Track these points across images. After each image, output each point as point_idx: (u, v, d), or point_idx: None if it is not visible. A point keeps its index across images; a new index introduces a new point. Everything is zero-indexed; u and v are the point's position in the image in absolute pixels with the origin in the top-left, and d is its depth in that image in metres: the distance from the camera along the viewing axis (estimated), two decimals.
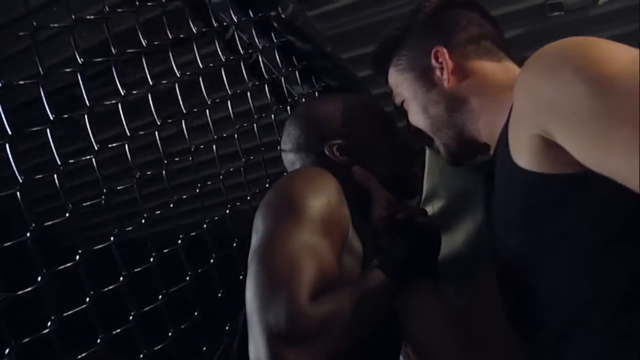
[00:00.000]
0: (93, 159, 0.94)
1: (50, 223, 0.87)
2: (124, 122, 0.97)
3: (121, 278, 0.96)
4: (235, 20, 1.24)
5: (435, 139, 0.99)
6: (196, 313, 1.08)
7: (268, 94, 1.32)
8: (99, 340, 0.91)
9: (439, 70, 0.94)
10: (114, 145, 1.01)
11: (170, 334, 1.01)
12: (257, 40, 1.28)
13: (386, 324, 0.86)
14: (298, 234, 0.79)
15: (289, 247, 0.77)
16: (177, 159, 1.13)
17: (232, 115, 1.21)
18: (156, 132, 1.04)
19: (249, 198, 1.21)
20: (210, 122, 1.16)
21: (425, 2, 0.99)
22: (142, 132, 1.09)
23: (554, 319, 0.73)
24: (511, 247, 0.80)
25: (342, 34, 2.79)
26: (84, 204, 0.96)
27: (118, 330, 0.96)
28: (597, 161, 0.62)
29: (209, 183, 1.17)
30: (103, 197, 0.96)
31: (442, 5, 0.98)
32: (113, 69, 0.99)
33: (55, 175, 0.90)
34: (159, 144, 1.05)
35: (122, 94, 0.98)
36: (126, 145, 1.00)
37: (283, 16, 1.29)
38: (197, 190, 1.13)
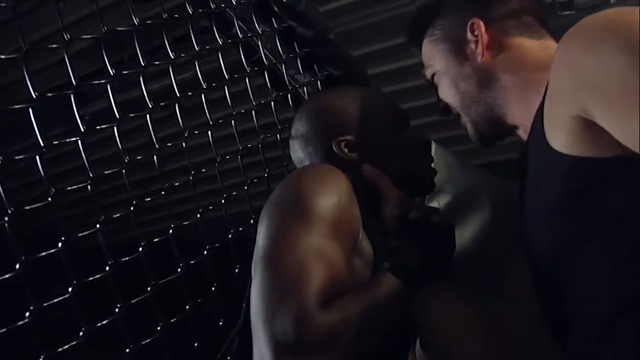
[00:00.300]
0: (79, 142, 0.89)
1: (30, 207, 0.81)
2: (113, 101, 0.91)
3: (107, 268, 0.89)
4: (234, 3, 1.18)
5: (464, 115, 0.95)
6: (187, 307, 1.02)
7: (268, 83, 1.26)
8: (81, 333, 0.84)
9: (474, 44, 0.90)
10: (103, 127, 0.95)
11: (159, 327, 0.95)
12: (256, 25, 1.22)
13: (396, 327, 0.82)
14: (307, 237, 0.75)
15: (298, 251, 0.74)
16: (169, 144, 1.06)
17: (231, 104, 1.15)
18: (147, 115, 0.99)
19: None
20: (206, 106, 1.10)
21: None
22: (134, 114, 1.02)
23: (590, 318, 0.67)
24: (547, 238, 0.73)
25: (347, 32, 2.76)
26: (68, 188, 0.90)
27: (104, 322, 0.89)
28: (635, 139, 0.57)
29: (202, 170, 1.11)
30: (89, 182, 0.90)
31: None
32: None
33: (37, 158, 0.84)
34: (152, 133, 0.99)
35: (112, 73, 0.92)
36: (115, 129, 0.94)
37: (284, 0, 1.24)
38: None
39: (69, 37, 0.86)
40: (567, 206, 0.68)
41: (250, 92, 1.18)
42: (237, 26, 1.19)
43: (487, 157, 2.74)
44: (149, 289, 0.95)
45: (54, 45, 0.89)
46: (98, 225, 0.89)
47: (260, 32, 1.23)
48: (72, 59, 0.88)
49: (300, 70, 1.31)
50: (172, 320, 0.97)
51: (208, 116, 1.10)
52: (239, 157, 1.16)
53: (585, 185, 0.65)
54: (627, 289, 0.63)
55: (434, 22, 0.97)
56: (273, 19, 1.27)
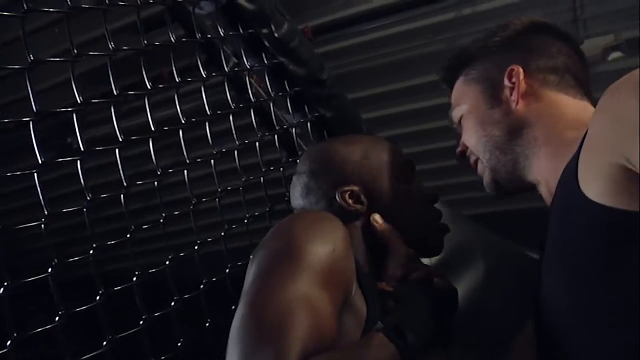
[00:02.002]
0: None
1: None
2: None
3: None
4: (222, 35, 1.10)
5: (484, 161, 0.91)
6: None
7: (254, 121, 1.17)
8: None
9: (509, 90, 0.88)
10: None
11: None
12: (244, 59, 1.15)
13: None
14: (295, 284, 0.70)
15: (283, 297, 0.68)
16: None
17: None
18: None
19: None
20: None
21: (516, 20, 0.94)
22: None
23: None
24: (565, 296, 0.67)
25: (345, 75, 2.71)
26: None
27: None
28: None
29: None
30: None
31: (534, 27, 0.93)
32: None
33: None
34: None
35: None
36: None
37: (276, 35, 1.17)
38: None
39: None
40: (596, 259, 0.63)
41: (233, 131, 1.09)
42: (223, 59, 1.11)
43: (479, 208, 2.67)
44: (140, 322, 0.91)
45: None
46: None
47: (248, 67, 1.15)
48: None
49: (290, 109, 1.23)
50: (162, 358, 0.93)
51: (185, 154, 1.01)
52: (216, 199, 1.06)
53: (619, 239, 0.60)
54: None
55: (472, 62, 0.95)
56: (263, 54, 1.19)
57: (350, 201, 0.91)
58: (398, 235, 0.90)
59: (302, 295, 0.69)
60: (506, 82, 0.88)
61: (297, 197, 0.98)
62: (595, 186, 0.62)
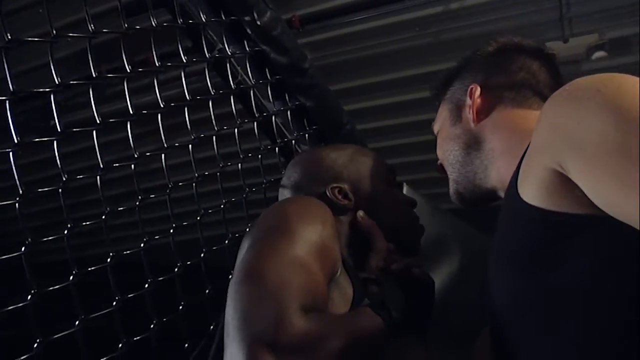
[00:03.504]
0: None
1: None
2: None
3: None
4: (204, 21, 1.10)
5: (449, 174, 0.98)
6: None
7: (233, 106, 1.17)
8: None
9: (468, 108, 0.93)
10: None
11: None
12: (226, 46, 1.15)
13: None
14: (289, 250, 0.74)
15: (280, 260, 0.72)
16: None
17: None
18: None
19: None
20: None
21: (497, 38, 0.98)
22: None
23: None
24: (508, 291, 0.70)
25: (332, 65, 2.72)
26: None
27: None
28: (611, 202, 0.55)
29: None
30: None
31: (503, 47, 0.97)
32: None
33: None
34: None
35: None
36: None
37: (258, 22, 1.17)
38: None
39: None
40: (530, 259, 0.66)
41: (213, 118, 1.09)
42: (205, 45, 1.11)
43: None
44: (114, 303, 0.90)
45: None
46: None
47: (229, 53, 1.15)
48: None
49: (270, 98, 1.23)
50: (134, 339, 0.92)
51: (163, 139, 1.01)
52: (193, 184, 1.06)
53: (550, 240, 0.63)
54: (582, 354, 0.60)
55: (450, 84, 1.01)
56: (245, 42, 1.19)
57: (339, 197, 0.97)
58: (380, 231, 0.96)
59: (297, 260, 0.73)
60: (467, 100, 0.94)
61: (286, 196, 1.02)
62: (530, 189, 0.65)
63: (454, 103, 0.98)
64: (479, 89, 0.92)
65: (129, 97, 0.96)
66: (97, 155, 0.91)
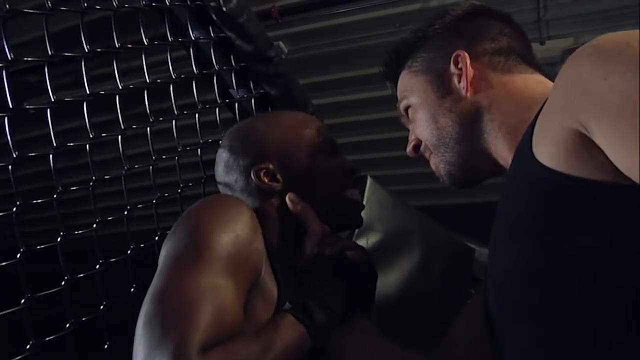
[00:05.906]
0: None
1: None
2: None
3: None
4: (168, 4, 1.10)
5: (437, 154, 0.88)
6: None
7: (195, 94, 1.17)
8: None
9: (457, 77, 0.85)
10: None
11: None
12: (190, 31, 1.15)
13: None
14: (198, 274, 0.72)
15: (187, 287, 0.71)
16: None
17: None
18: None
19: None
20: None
21: (454, 6, 0.90)
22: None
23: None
24: (512, 258, 0.65)
25: (310, 58, 2.71)
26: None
27: None
28: (635, 165, 0.50)
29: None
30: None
31: (473, 11, 0.90)
32: None
33: None
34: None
35: None
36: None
37: (224, 9, 1.17)
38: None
39: None
40: (540, 225, 0.60)
41: (173, 104, 1.09)
42: (168, 29, 1.11)
43: (432, 200, 2.72)
44: (22, 301, 0.87)
45: None
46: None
47: (193, 38, 1.15)
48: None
49: (234, 85, 1.24)
50: (47, 339, 0.89)
51: (120, 121, 1.01)
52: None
53: (566, 205, 0.58)
54: (588, 340, 0.56)
55: (414, 54, 0.91)
56: (210, 27, 1.19)
57: (265, 179, 0.91)
58: (314, 213, 0.90)
59: (206, 285, 0.71)
60: (452, 69, 0.85)
61: (219, 174, 0.98)
62: (547, 149, 0.60)
63: (435, 73, 0.88)
64: (467, 55, 0.84)
65: (85, 78, 0.96)
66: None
